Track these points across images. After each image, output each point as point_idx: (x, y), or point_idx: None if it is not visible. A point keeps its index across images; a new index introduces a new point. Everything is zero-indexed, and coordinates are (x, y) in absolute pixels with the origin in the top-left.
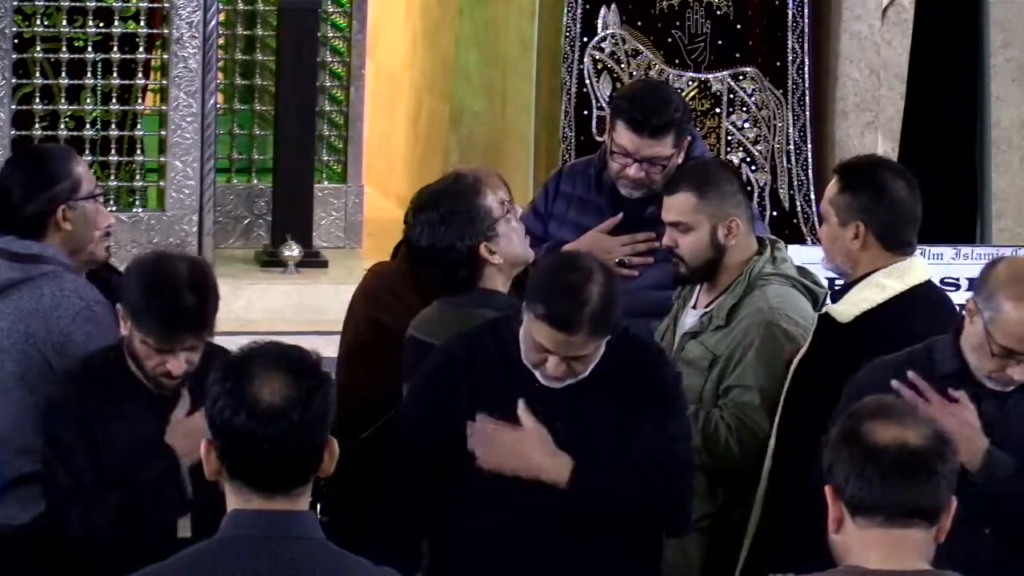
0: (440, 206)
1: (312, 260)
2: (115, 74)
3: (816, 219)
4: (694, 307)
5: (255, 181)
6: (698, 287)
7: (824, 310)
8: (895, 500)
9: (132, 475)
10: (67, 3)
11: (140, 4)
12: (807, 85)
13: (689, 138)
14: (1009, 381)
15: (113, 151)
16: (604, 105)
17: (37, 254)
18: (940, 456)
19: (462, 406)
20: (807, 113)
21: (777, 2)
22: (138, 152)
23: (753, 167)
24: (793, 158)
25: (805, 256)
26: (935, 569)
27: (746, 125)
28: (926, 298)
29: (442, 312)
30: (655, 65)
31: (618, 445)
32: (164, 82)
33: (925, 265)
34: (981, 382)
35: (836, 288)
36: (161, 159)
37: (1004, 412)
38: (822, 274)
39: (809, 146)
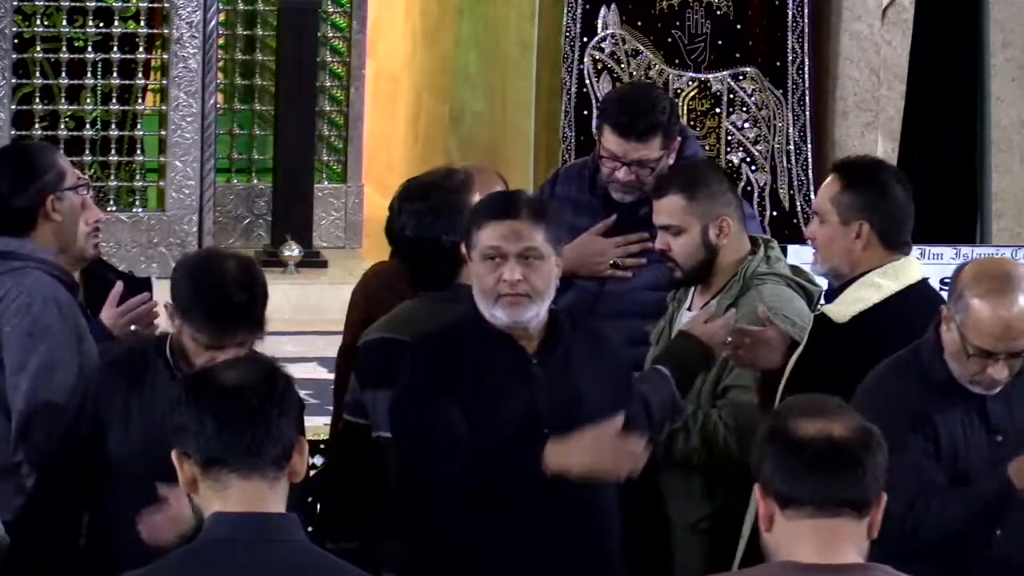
0: (429, 198)
1: (312, 260)
2: (115, 74)
3: (807, 231)
4: (689, 308)
5: (255, 181)
6: (693, 288)
7: (820, 310)
8: (822, 492)
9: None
10: (67, 3)
11: (140, 4)
12: (807, 85)
13: (679, 139)
14: (992, 383)
15: (113, 151)
16: None
17: (12, 251)
18: (865, 447)
19: (461, 387)
20: (807, 113)
21: (777, 2)
22: (138, 152)
23: (753, 167)
24: (793, 158)
25: (805, 256)
26: (868, 563)
27: (746, 125)
28: (922, 298)
29: (418, 309)
30: (655, 65)
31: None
32: (164, 82)
33: (920, 264)
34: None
35: (833, 287)
36: (161, 159)
37: (1010, 409)
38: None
39: (809, 146)
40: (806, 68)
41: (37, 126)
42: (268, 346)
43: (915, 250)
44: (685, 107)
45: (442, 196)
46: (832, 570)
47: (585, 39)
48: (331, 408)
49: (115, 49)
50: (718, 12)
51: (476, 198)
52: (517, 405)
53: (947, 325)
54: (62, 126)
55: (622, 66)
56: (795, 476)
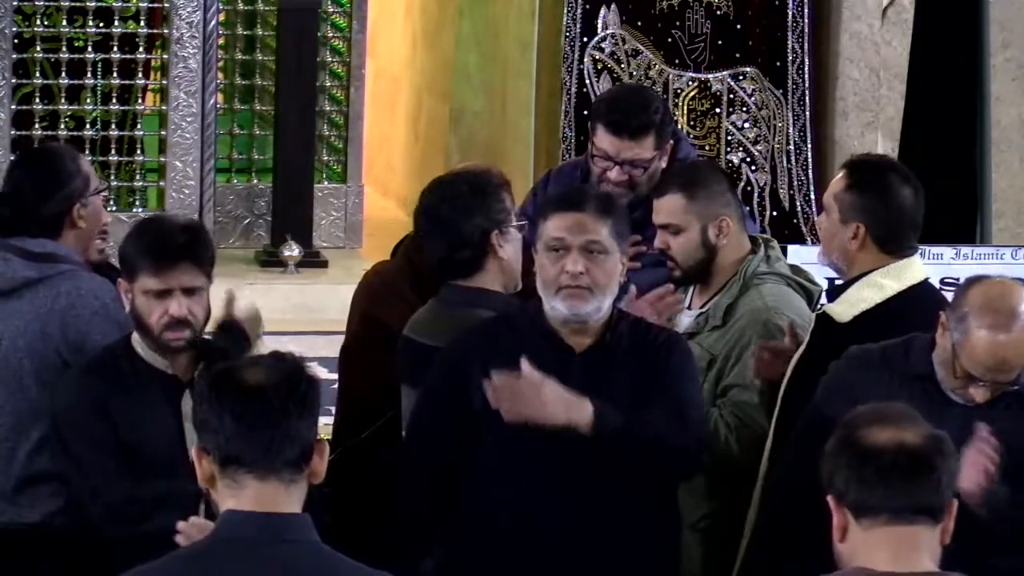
0: (469, 182)
1: (312, 260)
2: (115, 74)
3: (816, 219)
4: (689, 308)
5: (255, 181)
6: (692, 288)
7: (822, 309)
8: (898, 500)
9: (147, 464)
10: (67, 3)
11: (140, 4)
12: (807, 85)
13: (672, 141)
14: (971, 400)
15: (113, 151)
16: None
17: (52, 252)
18: (939, 453)
19: (477, 401)
20: (807, 113)
21: (777, 2)
22: (138, 152)
23: (753, 167)
24: (793, 158)
25: (805, 256)
26: (943, 571)
27: (746, 125)
28: (924, 298)
29: (438, 313)
30: (655, 65)
31: (634, 406)
32: (164, 82)
33: (922, 265)
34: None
35: (834, 287)
36: (161, 159)
37: (968, 429)
38: (819, 273)
39: (809, 146)
40: (806, 68)
41: (37, 126)
42: (268, 346)
43: (915, 252)
44: (685, 107)
45: (481, 183)
46: None
47: (585, 39)
48: (332, 408)
49: (115, 49)
50: (718, 12)
51: (509, 198)
52: None
53: (942, 332)
54: (62, 126)
55: (622, 66)
56: (869, 485)
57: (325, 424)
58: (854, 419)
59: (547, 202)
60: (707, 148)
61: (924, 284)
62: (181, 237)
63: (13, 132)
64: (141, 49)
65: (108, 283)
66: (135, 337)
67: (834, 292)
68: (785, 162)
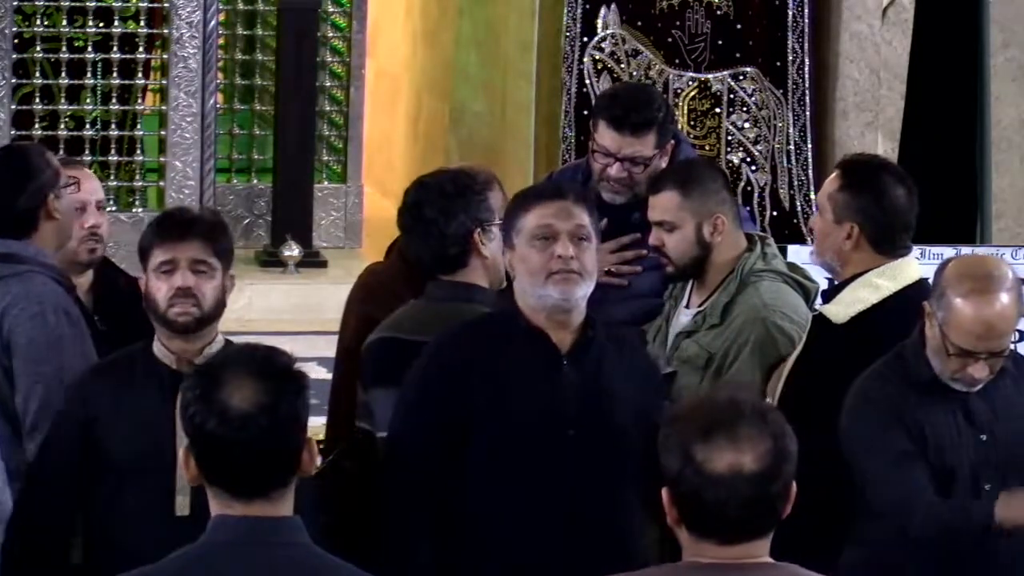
0: (455, 181)
1: (312, 260)
2: (115, 74)
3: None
4: (687, 306)
5: (255, 181)
6: (689, 286)
7: (818, 311)
8: (728, 530)
9: (138, 460)
10: (67, 3)
11: (140, 4)
12: (807, 85)
13: (673, 142)
14: (972, 381)
15: (113, 151)
16: None
17: (14, 253)
18: (774, 477)
19: (468, 401)
20: (807, 113)
21: (777, 2)
22: (138, 152)
23: (753, 167)
24: (793, 158)
25: (805, 256)
26: (774, 561)
27: (746, 125)
28: (920, 298)
29: (424, 309)
30: (655, 65)
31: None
32: (164, 82)
33: (917, 264)
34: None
35: (830, 287)
36: (161, 159)
37: (993, 408)
38: (819, 274)
39: (809, 146)
40: (806, 68)
41: (37, 126)
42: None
43: (915, 250)
44: (685, 107)
45: (465, 181)
46: (736, 568)
47: (585, 39)
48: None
49: (115, 49)
50: (718, 12)
51: (495, 197)
52: (541, 403)
53: (929, 322)
54: (62, 126)
55: (622, 66)
56: (701, 513)
57: (322, 424)
58: (697, 423)
59: (523, 197)
60: (707, 148)
61: (920, 284)
62: (193, 215)
63: (13, 132)
64: (141, 49)
65: (62, 292)
66: (156, 338)
67: (829, 293)
68: (785, 162)
